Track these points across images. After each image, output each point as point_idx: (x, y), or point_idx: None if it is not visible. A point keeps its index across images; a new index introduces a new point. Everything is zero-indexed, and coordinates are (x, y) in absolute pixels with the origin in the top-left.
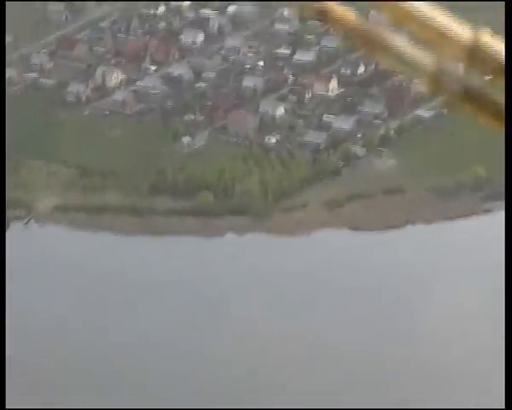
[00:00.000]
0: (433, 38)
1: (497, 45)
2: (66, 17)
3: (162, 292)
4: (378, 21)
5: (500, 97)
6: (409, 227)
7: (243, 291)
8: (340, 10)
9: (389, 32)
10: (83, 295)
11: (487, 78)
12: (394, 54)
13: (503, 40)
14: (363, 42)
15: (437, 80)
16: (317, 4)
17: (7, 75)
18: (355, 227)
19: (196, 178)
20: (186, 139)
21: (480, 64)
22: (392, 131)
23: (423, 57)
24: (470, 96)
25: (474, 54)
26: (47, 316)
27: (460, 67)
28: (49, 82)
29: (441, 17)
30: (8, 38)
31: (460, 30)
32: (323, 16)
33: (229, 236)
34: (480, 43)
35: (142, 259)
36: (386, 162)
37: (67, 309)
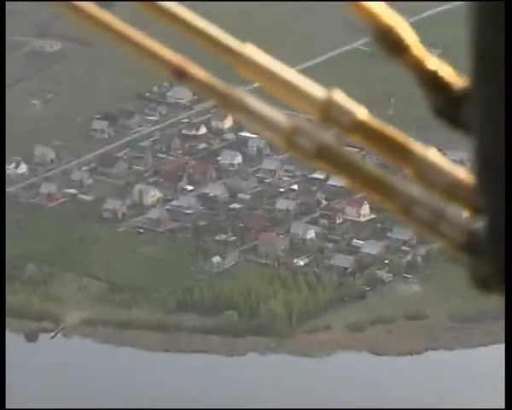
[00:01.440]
0: (286, 96)
1: (350, 104)
2: (110, 135)
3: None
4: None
5: (353, 154)
6: (429, 353)
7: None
8: (196, 70)
9: (245, 92)
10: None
11: (340, 135)
12: (250, 113)
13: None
14: (220, 101)
15: (291, 139)
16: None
17: (46, 190)
18: (375, 351)
19: (223, 296)
20: (216, 259)
21: (333, 122)
22: (419, 258)
23: (278, 116)
24: (323, 154)
25: (327, 112)
26: None
27: (314, 126)
28: (87, 198)
29: (294, 75)
30: (51, 155)
31: (313, 88)
32: (180, 76)
33: (251, 355)
34: (333, 102)
35: (163, 375)
36: (411, 288)
37: None
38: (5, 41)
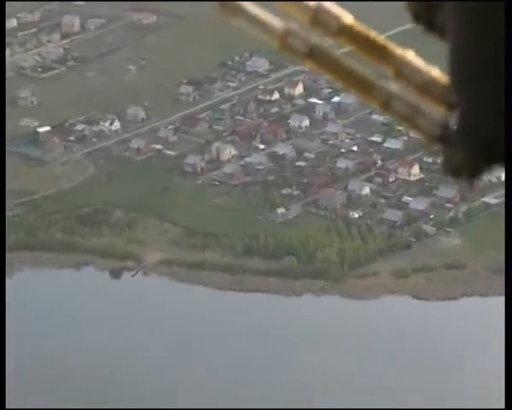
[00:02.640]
0: (281, 3)
1: (337, 10)
2: (194, 98)
3: (242, 341)
4: None
5: (341, 55)
6: (464, 299)
7: (315, 344)
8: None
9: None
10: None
11: (330, 37)
12: (249, 17)
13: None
14: (221, 7)
15: (285, 40)
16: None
17: (136, 145)
18: (416, 296)
19: (284, 243)
20: (281, 210)
21: (322, 26)
22: (460, 214)
23: (273, 20)
24: (314, 54)
25: (317, 17)
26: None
27: (305, 29)
28: (171, 153)
29: None
30: (141, 114)
31: None
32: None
33: (307, 296)
34: (322, 8)
35: (229, 312)
36: (452, 241)
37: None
38: (5, 41)
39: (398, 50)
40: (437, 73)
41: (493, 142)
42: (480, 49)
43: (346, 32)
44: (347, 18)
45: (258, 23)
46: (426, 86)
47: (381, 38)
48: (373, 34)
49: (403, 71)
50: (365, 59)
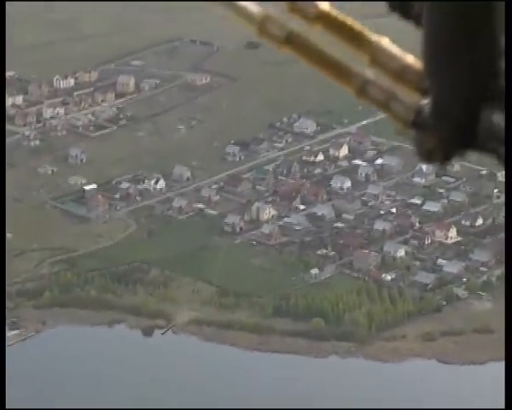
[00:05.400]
0: None
1: None
2: (240, 158)
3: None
4: None
5: (318, 41)
6: (491, 364)
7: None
8: None
9: None
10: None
11: (307, 24)
12: (228, 3)
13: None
14: None
15: (263, 27)
16: None
17: (178, 204)
18: (442, 360)
19: (314, 305)
20: (314, 271)
21: (299, 13)
22: (494, 278)
23: (252, 7)
24: (291, 40)
25: (294, 4)
26: None
27: (283, 15)
28: (213, 212)
29: None
30: (187, 174)
31: None
32: None
33: (332, 358)
34: None
35: (253, 373)
36: (484, 305)
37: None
38: (5, 41)
39: (374, 37)
40: (411, 59)
41: (465, 126)
42: (453, 36)
43: (322, 18)
44: (324, 5)
45: (237, 10)
46: (400, 72)
47: (357, 25)
48: (349, 21)
49: (378, 56)
50: (342, 45)
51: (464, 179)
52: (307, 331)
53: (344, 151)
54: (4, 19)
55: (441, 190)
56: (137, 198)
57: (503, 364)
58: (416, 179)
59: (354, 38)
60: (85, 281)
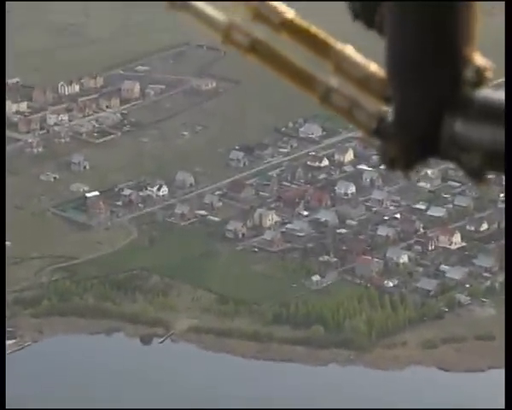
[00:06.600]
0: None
1: (279, 4)
2: (244, 164)
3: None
4: None
5: (282, 50)
6: (491, 371)
7: None
8: None
9: None
10: None
11: (272, 31)
12: (194, 12)
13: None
14: (168, 3)
15: (228, 34)
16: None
17: (180, 211)
18: (442, 367)
19: (314, 312)
20: (316, 277)
21: (264, 20)
22: (497, 284)
23: (217, 14)
24: (255, 48)
25: (260, 12)
26: None
27: (248, 24)
28: (215, 219)
29: None
30: (190, 180)
31: None
32: None
33: (332, 366)
34: (265, 3)
35: (252, 381)
36: (486, 311)
37: None
38: (5, 41)
39: (338, 45)
40: (375, 67)
41: (427, 135)
42: (417, 45)
43: (287, 26)
44: (289, 13)
45: (203, 17)
46: (364, 80)
47: (321, 33)
48: (313, 29)
49: (342, 65)
50: (306, 53)
51: (469, 184)
52: (307, 339)
53: (349, 156)
54: (4, 19)
55: (446, 195)
56: (140, 205)
57: (503, 371)
58: (421, 184)
59: (318, 46)
60: (84, 289)
